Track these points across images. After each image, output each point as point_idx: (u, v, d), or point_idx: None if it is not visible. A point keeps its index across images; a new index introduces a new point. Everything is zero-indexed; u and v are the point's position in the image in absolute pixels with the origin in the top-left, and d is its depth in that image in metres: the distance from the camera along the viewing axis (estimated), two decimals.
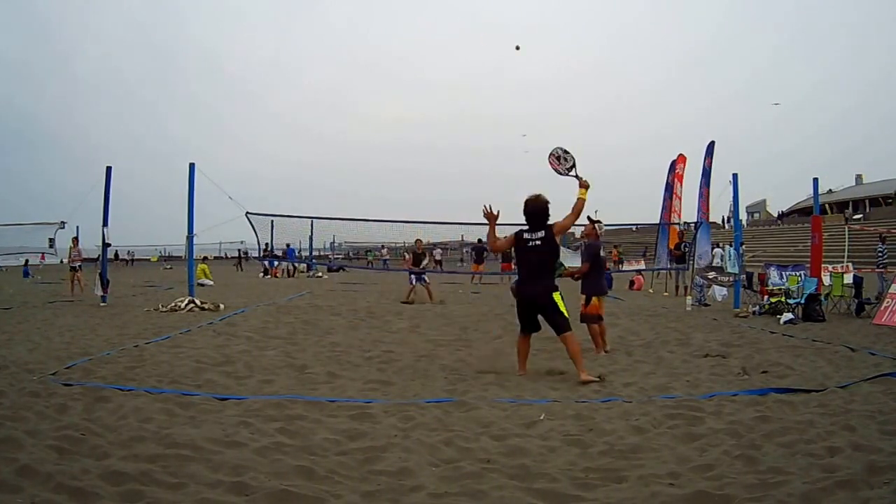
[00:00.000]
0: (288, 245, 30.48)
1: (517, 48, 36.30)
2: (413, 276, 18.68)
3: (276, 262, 33.46)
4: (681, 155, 22.04)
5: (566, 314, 7.14)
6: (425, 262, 19.18)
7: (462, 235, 57.34)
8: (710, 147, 18.99)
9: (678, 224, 20.87)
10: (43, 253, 21.46)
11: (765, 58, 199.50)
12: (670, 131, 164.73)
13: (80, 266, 20.69)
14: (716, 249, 19.42)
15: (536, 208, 7.29)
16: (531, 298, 7.26)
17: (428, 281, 18.67)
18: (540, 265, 7.24)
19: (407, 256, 21.82)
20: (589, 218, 9.18)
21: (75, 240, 21.00)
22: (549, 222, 7.28)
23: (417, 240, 19.38)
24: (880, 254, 19.17)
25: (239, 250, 53.61)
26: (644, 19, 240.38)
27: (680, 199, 21.77)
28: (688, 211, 21.05)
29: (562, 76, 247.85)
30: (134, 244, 67.00)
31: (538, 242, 7.19)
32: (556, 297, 7.13)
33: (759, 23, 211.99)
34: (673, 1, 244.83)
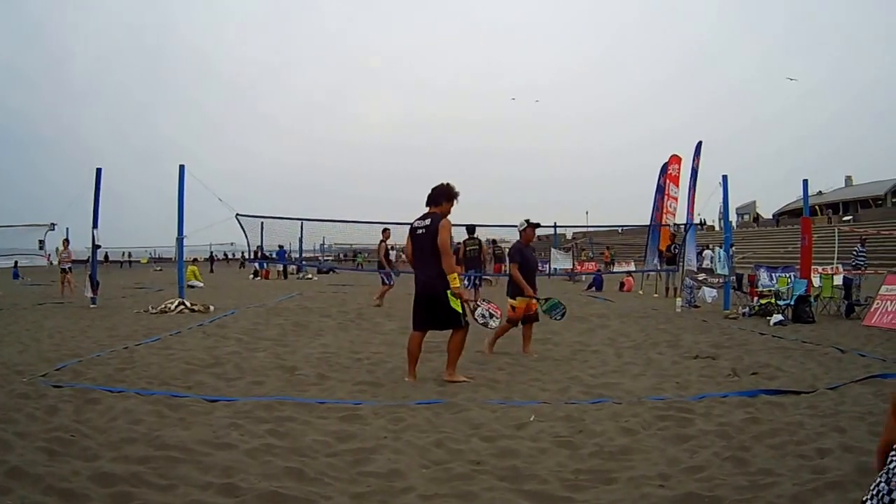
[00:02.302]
0: (280, 247, 30.45)
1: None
2: (384, 275, 17.69)
3: (265, 264, 33.45)
4: (674, 156, 22.00)
5: (458, 310, 6.97)
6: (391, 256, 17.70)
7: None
8: (698, 148, 19.05)
9: (670, 225, 20.90)
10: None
11: (757, 59, 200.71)
12: (661, 133, 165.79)
13: (69, 267, 20.61)
14: (706, 251, 19.45)
15: (431, 191, 7.19)
16: (420, 289, 7.09)
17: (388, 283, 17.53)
18: (422, 253, 7.02)
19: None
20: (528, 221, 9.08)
21: (66, 241, 20.94)
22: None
23: (385, 228, 17.59)
24: (856, 254, 19.12)
25: (211, 252, 53.60)
26: (638, 23, 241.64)
27: (675, 199, 21.73)
28: (682, 212, 21.07)
29: (557, 78, 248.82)
30: (124, 245, 66.80)
31: (422, 231, 7.03)
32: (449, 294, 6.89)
33: (751, 24, 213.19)
34: (666, 4, 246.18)
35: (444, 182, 7.27)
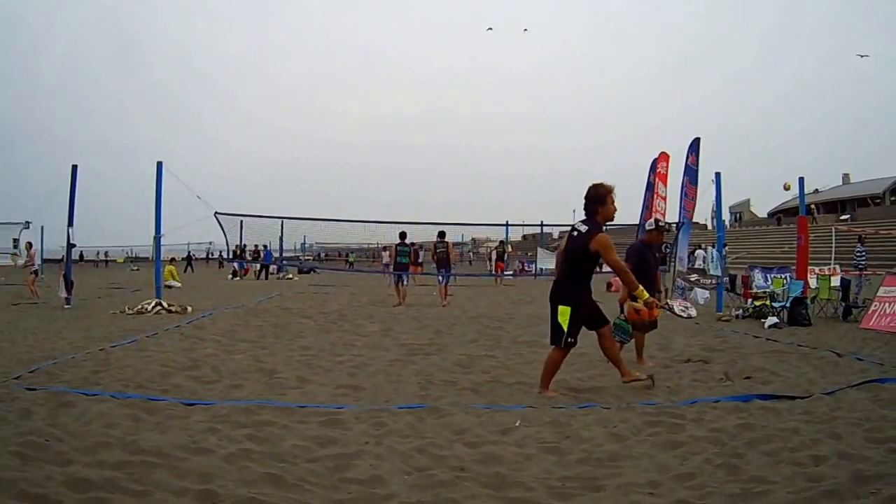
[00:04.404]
0: (265, 247, 30.54)
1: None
2: (395, 276, 18.52)
3: (244, 264, 33.36)
4: (663, 153, 21.74)
5: (563, 327, 6.35)
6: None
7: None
8: (695, 144, 18.53)
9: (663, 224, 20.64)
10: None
11: (749, 55, 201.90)
12: (651, 129, 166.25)
13: (35, 270, 20.26)
14: (698, 251, 19.14)
15: (586, 194, 6.47)
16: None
17: (406, 283, 18.49)
18: (564, 258, 6.59)
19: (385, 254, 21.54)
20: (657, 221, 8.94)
21: (29, 244, 20.65)
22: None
23: (402, 232, 18.67)
24: (858, 255, 18.91)
25: (188, 252, 53.25)
26: (626, 15, 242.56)
27: (664, 199, 21.46)
28: (672, 210, 20.71)
29: (542, 72, 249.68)
30: (100, 244, 66.04)
31: (575, 234, 6.50)
32: (562, 309, 6.37)
33: (743, 18, 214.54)
34: None
35: (593, 184, 6.51)
